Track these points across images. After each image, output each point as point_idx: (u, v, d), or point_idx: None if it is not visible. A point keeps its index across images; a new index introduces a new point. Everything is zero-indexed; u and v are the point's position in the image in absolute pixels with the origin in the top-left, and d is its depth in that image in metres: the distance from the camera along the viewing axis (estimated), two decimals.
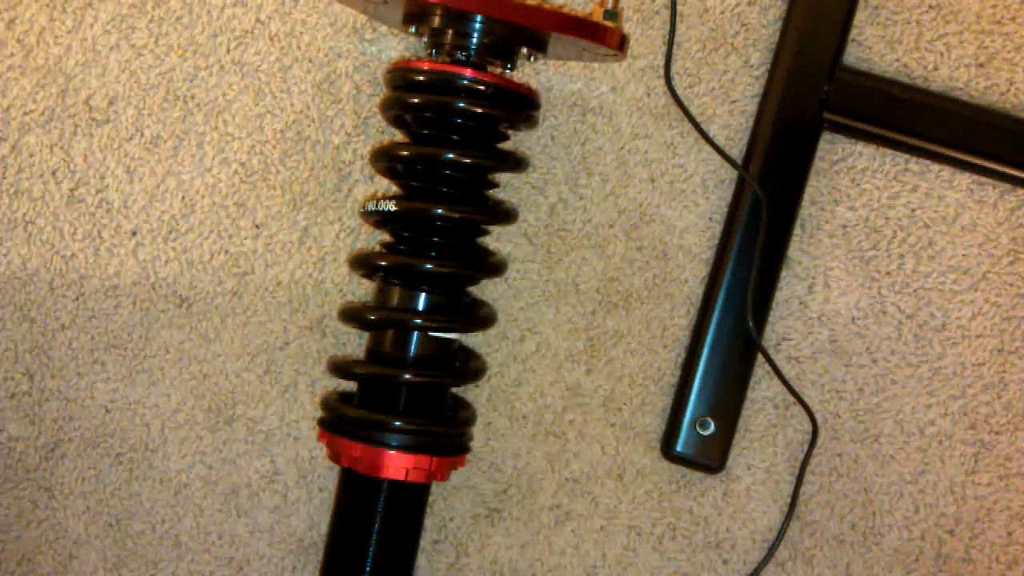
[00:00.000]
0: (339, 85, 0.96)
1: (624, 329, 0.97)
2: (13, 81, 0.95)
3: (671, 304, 0.97)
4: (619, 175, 0.97)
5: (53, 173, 0.96)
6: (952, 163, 0.96)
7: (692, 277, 0.97)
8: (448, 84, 0.86)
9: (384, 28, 0.96)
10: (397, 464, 0.85)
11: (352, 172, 0.97)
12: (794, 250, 0.97)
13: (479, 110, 0.86)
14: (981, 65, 0.97)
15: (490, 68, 0.88)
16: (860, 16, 0.96)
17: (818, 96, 0.95)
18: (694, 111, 0.97)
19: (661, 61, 0.96)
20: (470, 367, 0.91)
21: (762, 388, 0.97)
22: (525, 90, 0.88)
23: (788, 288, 0.97)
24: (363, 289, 0.97)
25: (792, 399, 0.97)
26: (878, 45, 0.97)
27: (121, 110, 0.96)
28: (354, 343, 0.97)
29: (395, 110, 0.88)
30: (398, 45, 0.97)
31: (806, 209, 0.97)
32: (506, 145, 0.92)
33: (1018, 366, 0.97)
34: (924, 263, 0.97)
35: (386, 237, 0.90)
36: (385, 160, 0.89)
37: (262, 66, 0.96)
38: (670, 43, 0.95)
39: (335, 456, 0.88)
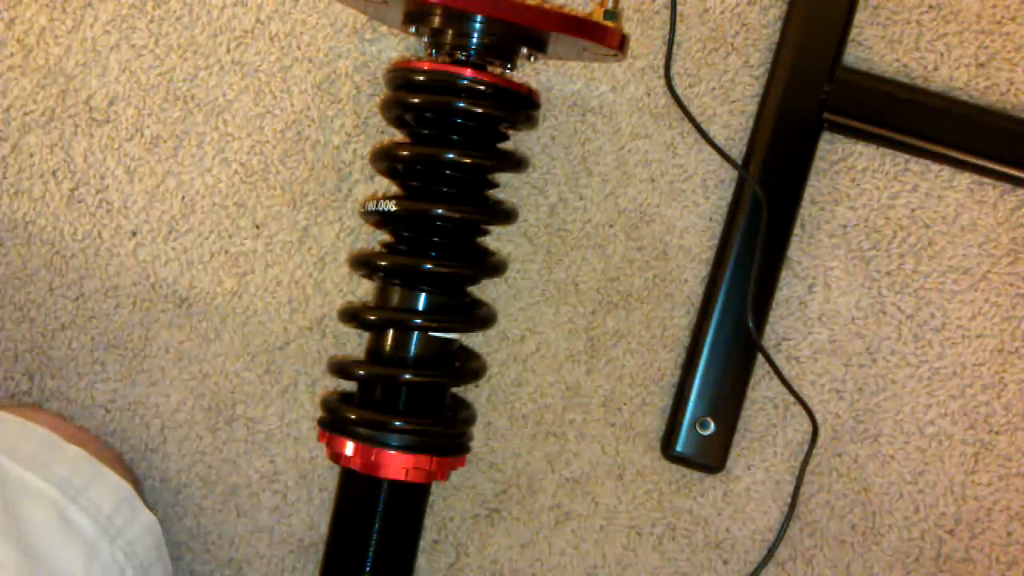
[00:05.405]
0: (339, 85, 0.96)
1: (624, 329, 0.97)
2: (13, 81, 0.95)
3: (671, 304, 0.97)
4: (619, 175, 0.97)
5: (53, 173, 0.96)
6: (952, 163, 0.96)
7: (692, 277, 0.97)
8: (448, 84, 0.86)
9: (384, 28, 0.96)
10: (397, 464, 0.85)
11: (352, 172, 0.97)
12: (794, 250, 0.97)
13: (479, 110, 0.85)
14: (981, 65, 0.97)
15: (490, 68, 0.88)
16: (860, 16, 0.96)
17: (818, 96, 0.95)
18: (694, 111, 0.97)
19: (661, 61, 0.96)
20: (470, 367, 0.91)
21: (762, 388, 0.97)
22: (525, 90, 0.88)
23: (788, 288, 0.97)
24: (363, 289, 0.97)
25: (792, 399, 0.97)
26: (878, 45, 0.97)
27: (121, 110, 0.96)
28: (354, 343, 0.97)
29: (395, 110, 0.88)
30: (398, 45, 0.97)
31: (806, 209, 0.97)
32: (506, 145, 0.92)
33: (1018, 366, 0.97)
34: (924, 263, 0.97)
35: (386, 237, 0.90)
36: (385, 160, 0.89)
37: (262, 66, 0.96)
38: (670, 43, 0.95)
39: (335, 456, 0.88)
